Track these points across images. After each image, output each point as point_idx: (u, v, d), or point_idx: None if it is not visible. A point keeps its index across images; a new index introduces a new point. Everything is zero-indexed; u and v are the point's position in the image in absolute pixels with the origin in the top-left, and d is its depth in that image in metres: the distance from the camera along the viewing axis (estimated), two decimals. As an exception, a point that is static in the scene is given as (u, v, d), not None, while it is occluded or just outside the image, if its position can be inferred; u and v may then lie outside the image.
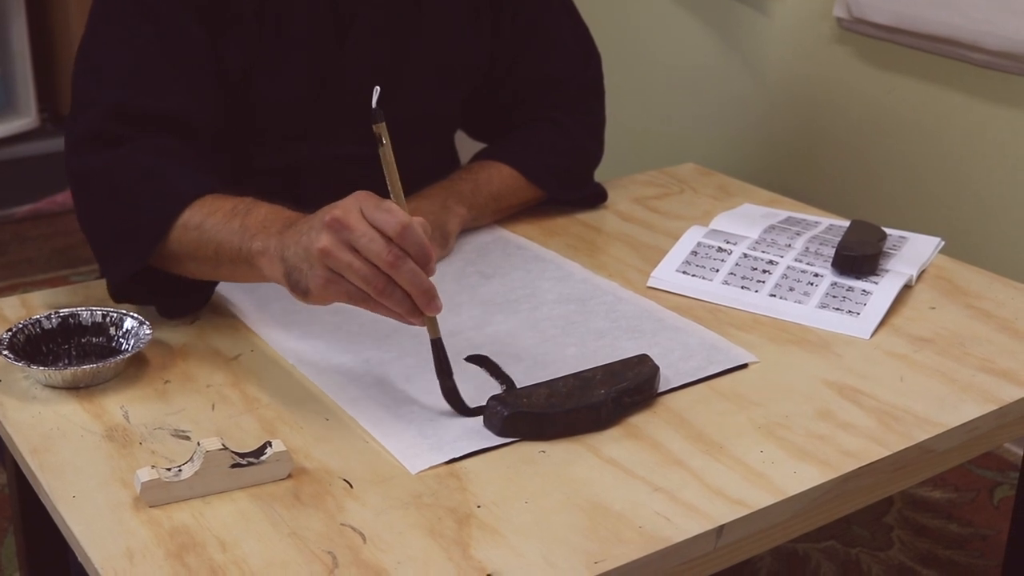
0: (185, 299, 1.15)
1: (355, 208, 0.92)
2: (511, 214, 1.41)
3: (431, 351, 0.98)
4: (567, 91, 1.46)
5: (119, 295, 1.14)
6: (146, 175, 1.11)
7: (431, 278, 0.94)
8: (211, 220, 1.07)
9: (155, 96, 1.15)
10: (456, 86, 1.40)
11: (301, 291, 0.97)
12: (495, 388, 1.03)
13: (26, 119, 2.77)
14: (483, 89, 1.43)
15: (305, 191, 1.27)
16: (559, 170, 1.43)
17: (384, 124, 0.93)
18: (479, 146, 1.47)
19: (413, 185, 1.37)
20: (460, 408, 0.99)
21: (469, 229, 1.36)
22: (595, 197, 1.47)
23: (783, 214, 1.42)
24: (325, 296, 0.95)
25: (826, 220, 1.40)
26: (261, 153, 1.28)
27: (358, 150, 1.23)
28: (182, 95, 1.17)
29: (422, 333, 1.12)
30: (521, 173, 1.40)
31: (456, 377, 0.99)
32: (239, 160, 1.27)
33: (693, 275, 1.25)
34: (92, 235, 1.15)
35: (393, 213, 0.91)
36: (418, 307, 0.94)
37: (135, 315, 1.07)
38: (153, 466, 0.86)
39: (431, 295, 0.93)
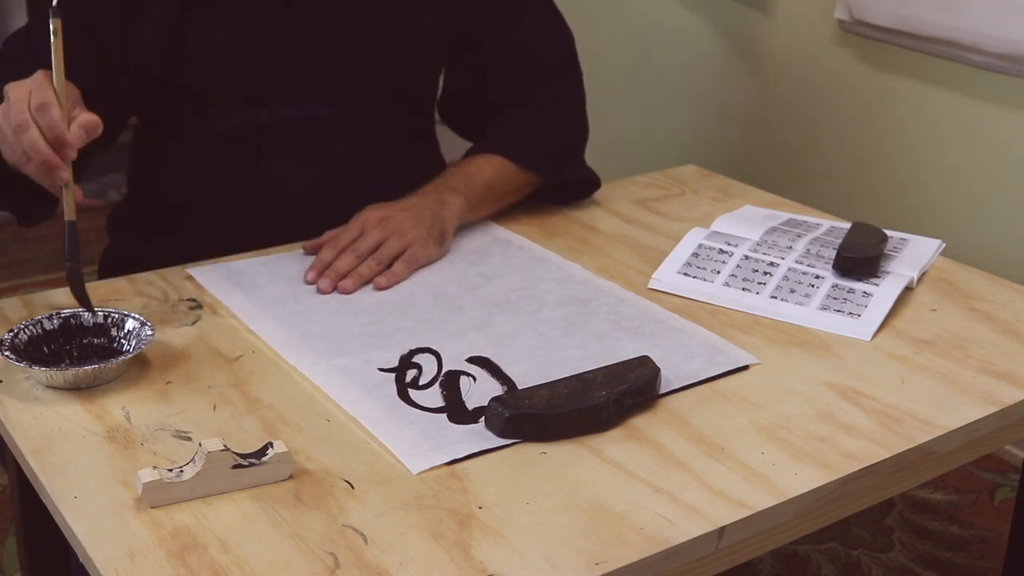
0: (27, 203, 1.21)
1: (27, 90, 1.03)
2: (510, 204, 1.41)
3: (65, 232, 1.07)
4: (539, 67, 1.47)
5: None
6: None
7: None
8: None
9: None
10: (422, 56, 1.42)
11: None
12: (496, 389, 1.03)
13: (27, 120, 2.77)
14: (456, 70, 1.46)
15: (266, 154, 1.34)
16: (545, 150, 1.43)
17: (60, 21, 1.00)
18: (467, 146, 1.47)
19: (393, 165, 1.41)
20: (80, 295, 1.08)
21: (470, 229, 1.36)
22: (588, 184, 1.47)
23: (784, 216, 1.42)
24: None
25: (827, 222, 1.40)
26: (221, 115, 1.33)
27: (314, 112, 1.28)
28: (86, 65, 1.21)
29: (424, 334, 1.12)
30: (509, 159, 1.40)
31: (457, 378, 0.98)
32: (200, 122, 1.33)
33: (694, 277, 1.26)
34: None
35: (40, 97, 1.02)
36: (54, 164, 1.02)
37: (137, 316, 1.07)
38: (154, 467, 0.86)
39: (52, 165, 1.02)
